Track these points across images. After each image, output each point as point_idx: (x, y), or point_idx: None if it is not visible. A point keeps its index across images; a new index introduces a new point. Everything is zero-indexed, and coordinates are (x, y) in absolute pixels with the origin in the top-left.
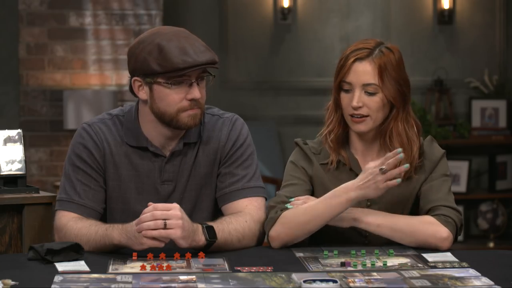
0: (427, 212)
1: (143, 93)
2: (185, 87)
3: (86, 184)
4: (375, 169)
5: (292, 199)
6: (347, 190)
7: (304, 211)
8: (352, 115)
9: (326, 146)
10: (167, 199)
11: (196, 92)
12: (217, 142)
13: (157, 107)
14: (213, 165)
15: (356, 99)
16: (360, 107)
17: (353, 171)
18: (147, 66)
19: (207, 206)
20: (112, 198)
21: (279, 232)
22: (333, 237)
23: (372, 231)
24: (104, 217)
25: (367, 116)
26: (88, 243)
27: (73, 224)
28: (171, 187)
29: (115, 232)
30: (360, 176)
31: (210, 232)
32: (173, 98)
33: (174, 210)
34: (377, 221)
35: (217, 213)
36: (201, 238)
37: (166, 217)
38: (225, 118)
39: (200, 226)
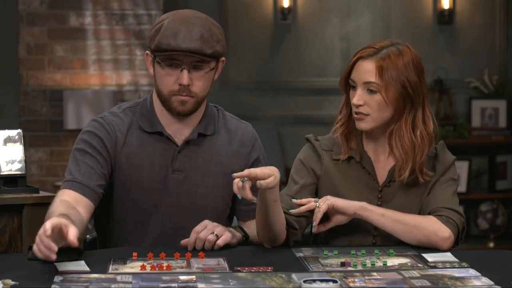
0: (430, 213)
1: (151, 69)
2: (177, 71)
3: (91, 167)
4: None
5: (293, 211)
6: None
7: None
8: (355, 113)
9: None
10: (176, 189)
11: (184, 79)
12: (243, 147)
13: (157, 85)
14: (236, 169)
15: (356, 97)
16: (361, 105)
17: (365, 169)
18: (150, 41)
19: (220, 206)
20: (125, 188)
21: (259, 234)
22: (339, 236)
23: (375, 221)
24: (114, 208)
25: (367, 115)
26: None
27: (58, 201)
28: (180, 177)
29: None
30: None
31: (242, 230)
32: (165, 79)
33: (209, 223)
34: (382, 211)
35: (231, 213)
36: (238, 234)
37: (210, 231)
38: (247, 125)
39: (230, 228)
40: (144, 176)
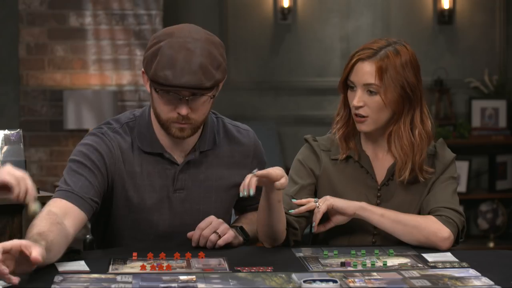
0: (429, 212)
1: (148, 87)
2: (175, 99)
3: (89, 181)
4: None
5: (292, 211)
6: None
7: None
8: (355, 114)
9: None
10: (178, 208)
11: (182, 109)
12: (246, 158)
13: (154, 107)
14: (238, 180)
15: (356, 99)
16: (361, 107)
17: (364, 168)
18: (146, 66)
19: (223, 217)
20: (125, 207)
21: (260, 234)
22: (339, 236)
23: (375, 221)
24: (113, 223)
25: (366, 116)
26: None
27: (44, 213)
28: (182, 195)
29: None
30: None
31: (244, 232)
32: (163, 107)
33: (214, 220)
34: (381, 211)
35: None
36: (240, 238)
37: (214, 229)
38: (248, 132)
39: (233, 229)
40: (146, 197)
